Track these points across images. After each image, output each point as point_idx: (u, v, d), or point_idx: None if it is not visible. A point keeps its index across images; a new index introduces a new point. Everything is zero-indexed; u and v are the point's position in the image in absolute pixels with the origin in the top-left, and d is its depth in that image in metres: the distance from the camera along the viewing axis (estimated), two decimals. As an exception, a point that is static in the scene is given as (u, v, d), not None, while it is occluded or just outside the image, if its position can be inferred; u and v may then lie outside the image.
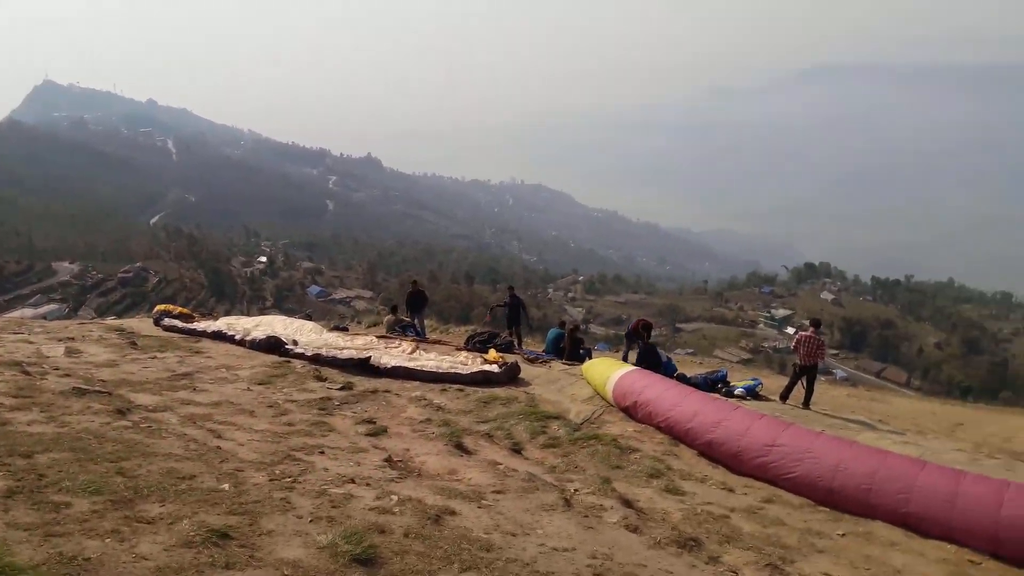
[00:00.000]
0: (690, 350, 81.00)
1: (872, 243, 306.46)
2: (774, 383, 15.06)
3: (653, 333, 15.24)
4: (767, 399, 12.97)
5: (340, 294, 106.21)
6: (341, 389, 10.02)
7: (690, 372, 14.62)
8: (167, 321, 15.28)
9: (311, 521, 4.47)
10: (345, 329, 18.36)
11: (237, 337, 13.46)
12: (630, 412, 10.10)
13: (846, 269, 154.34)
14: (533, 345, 18.93)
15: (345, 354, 12.30)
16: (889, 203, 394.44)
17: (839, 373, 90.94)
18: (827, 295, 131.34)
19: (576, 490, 6.59)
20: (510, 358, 13.26)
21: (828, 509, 7.31)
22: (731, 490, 7.58)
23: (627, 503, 6.29)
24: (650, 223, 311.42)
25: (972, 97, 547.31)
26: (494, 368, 12.13)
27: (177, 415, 7.36)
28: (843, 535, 6.49)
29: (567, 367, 13.72)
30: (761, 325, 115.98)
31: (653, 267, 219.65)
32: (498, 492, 6.01)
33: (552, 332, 17.05)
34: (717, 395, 12.19)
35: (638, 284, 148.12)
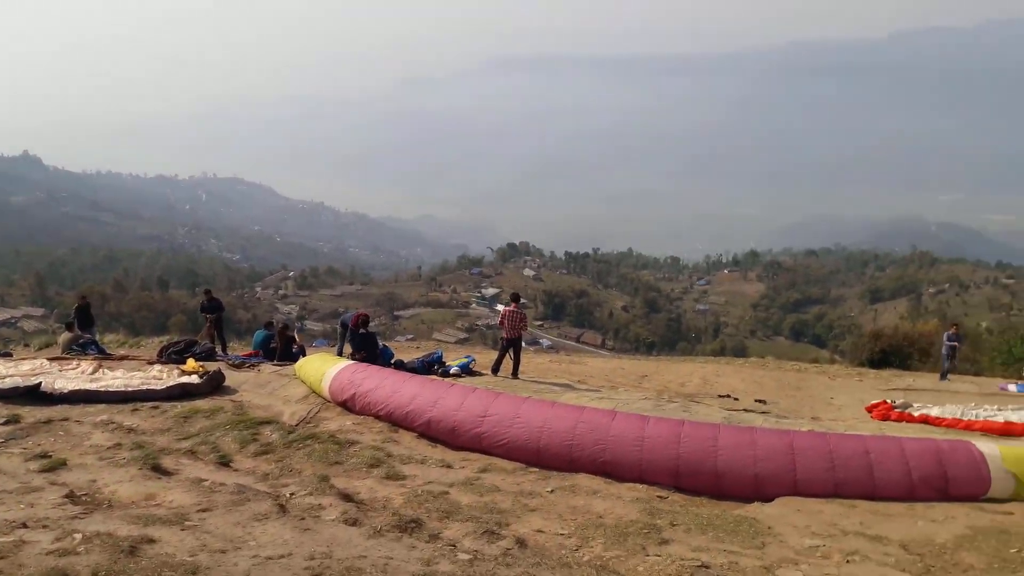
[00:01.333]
0: (410, 336, 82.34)
1: (562, 221, 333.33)
2: (487, 358, 15.74)
3: (372, 323, 15.18)
4: (480, 374, 13.52)
5: (2, 315, 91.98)
6: (5, 423, 8.61)
7: (408, 357, 14.79)
8: None
9: (-32, 583, 3.78)
10: (8, 355, 15.81)
11: None
12: (348, 405, 9.95)
13: (543, 247, 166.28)
14: (240, 349, 17.92)
15: (8, 383, 10.58)
16: (573, 183, 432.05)
17: (545, 342, 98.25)
18: (529, 272, 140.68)
19: (292, 494, 6.34)
20: (212, 366, 12.37)
21: (538, 469, 7.79)
22: (450, 466, 7.78)
23: (347, 497, 6.17)
24: (358, 212, 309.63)
25: (633, 85, 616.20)
26: (193, 379, 11.23)
27: None
28: (552, 491, 6.95)
29: (278, 368, 13.15)
30: (474, 305, 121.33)
31: (366, 256, 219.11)
32: (204, 510, 5.58)
33: (259, 334, 16.24)
34: (434, 376, 12.46)
35: (353, 275, 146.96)
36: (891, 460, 7.20)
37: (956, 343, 19.83)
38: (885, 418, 12.29)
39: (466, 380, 12.51)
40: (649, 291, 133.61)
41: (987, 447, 7.40)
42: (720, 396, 14.54)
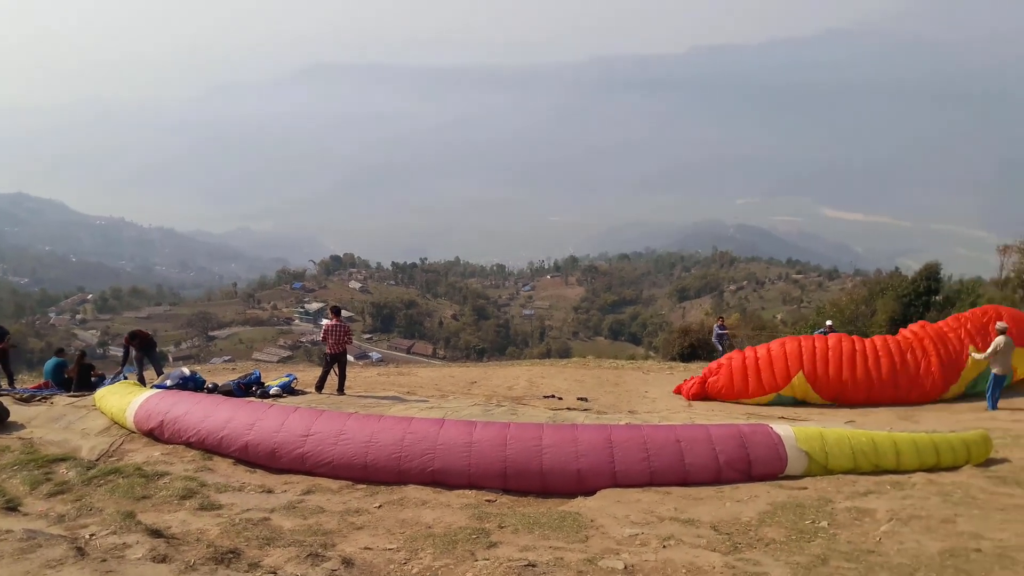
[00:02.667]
0: (227, 357, 78.24)
1: (388, 230, 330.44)
2: (312, 375, 15.26)
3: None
4: (304, 392, 13.07)
5: None
6: None
7: (223, 380, 14.02)
8: None
9: None
10: None
11: None
12: (156, 434, 9.26)
13: (369, 258, 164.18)
14: (31, 381, 16.20)
15: None
16: (398, 192, 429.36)
17: (374, 355, 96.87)
18: (355, 284, 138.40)
19: (92, 535, 5.77)
20: (-6, 401, 11.07)
21: (366, 485, 7.62)
22: (271, 491, 7.42)
23: (155, 533, 5.71)
24: (164, 227, 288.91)
25: (452, 95, 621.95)
26: (-30, 417, 9.99)
27: None
28: (380, 507, 6.81)
29: (75, 400, 11.99)
30: (297, 321, 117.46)
31: (175, 274, 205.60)
32: (-14, 563, 4.95)
33: (50, 362, 14.76)
34: (252, 398, 11.88)
35: (161, 295, 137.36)
36: (700, 446, 7.70)
37: (724, 331, 22.05)
38: (695, 394, 13.65)
39: (288, 400, 12.05)
40: (477, 299, 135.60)
41: (782, 429, 8.10)
42: (545, 396, 14.96)
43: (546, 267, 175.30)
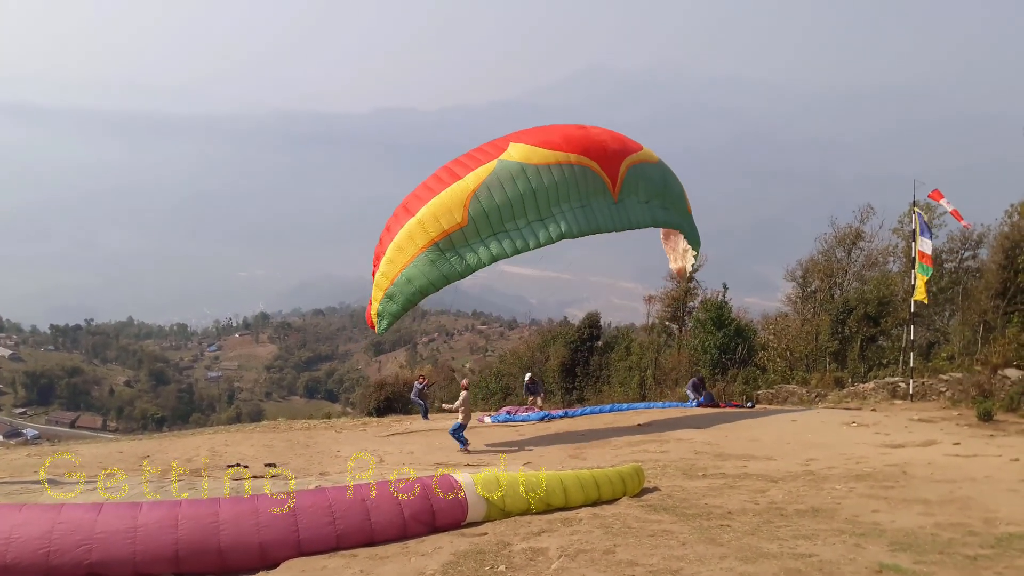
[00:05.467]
0: None
1: (44, 289, 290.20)
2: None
3: None
4: (-79, 487, 10.92)
5: None
6: None
7: None
8: None
9: None
10: None
11: None
12: None
13: (21, 320, 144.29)
14: None
15: None
16: (57, 246, 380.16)
17: (30, 432, 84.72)
18: (3, 351, 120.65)
19: None
20: None
21: (5, 589, 6.55)
22: None
23: None
24: None
25: (120, 142, 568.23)
26: None
27: None
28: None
29: None
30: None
31: None
32: None
33: None
34: None
35: None
36: (386, 503, 7.74)
37: (424, 386, 22.80)
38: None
39: (-103, 499, 9.98)
40: (155, 362, 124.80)
41: (463, 477, 8.45)
42: (229, 466, 14.07)
43: (234, 325, 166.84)
